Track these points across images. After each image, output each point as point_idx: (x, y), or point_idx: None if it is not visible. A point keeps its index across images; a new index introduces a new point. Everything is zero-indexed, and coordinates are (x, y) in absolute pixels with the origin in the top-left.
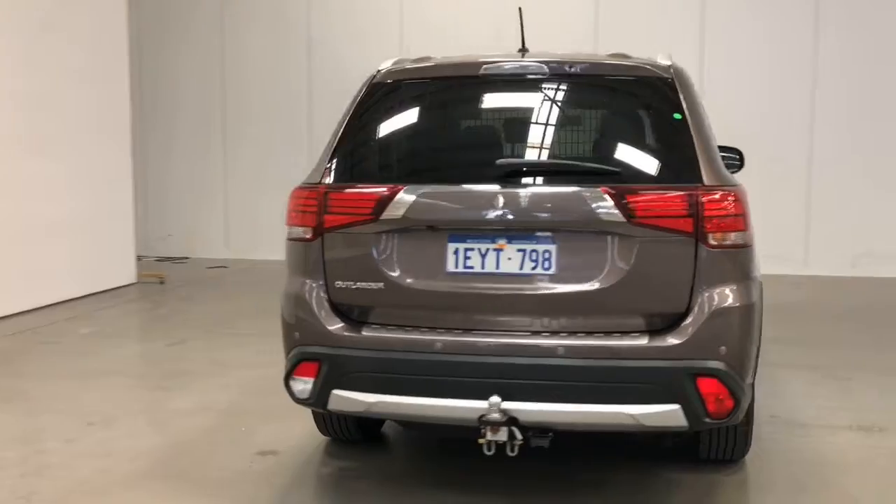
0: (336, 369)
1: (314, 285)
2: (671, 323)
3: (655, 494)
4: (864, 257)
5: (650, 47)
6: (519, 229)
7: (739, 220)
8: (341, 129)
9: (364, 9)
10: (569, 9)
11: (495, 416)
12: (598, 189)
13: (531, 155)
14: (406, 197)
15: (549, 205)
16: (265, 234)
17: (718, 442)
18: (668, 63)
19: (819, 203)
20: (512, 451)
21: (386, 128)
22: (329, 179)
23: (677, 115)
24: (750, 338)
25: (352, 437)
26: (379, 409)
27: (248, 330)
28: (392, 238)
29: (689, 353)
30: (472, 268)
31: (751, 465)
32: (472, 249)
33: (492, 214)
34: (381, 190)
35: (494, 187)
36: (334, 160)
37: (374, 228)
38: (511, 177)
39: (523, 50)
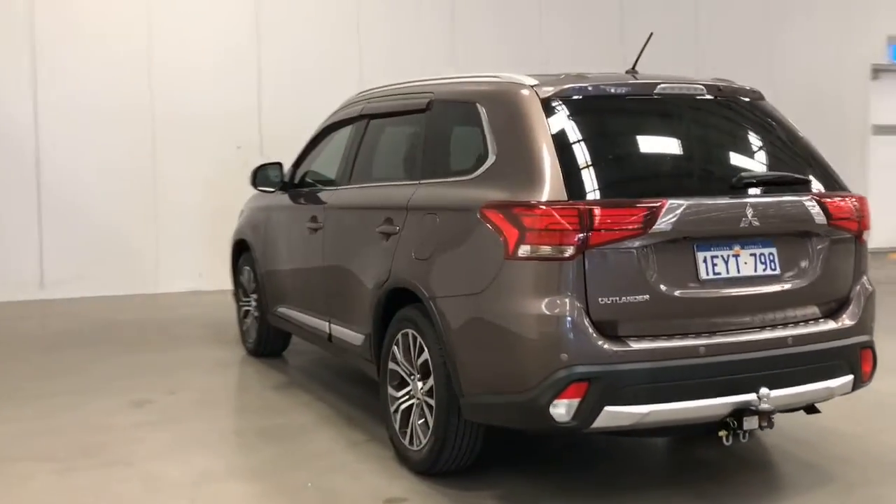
0: (610, 386)
1: (576, 304)
2: (839, 307)
3: (746, 463)
4: None
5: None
6: (749, 235)
7: (867, 219)
8: (552, 145)
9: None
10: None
11: (766, 406)
12: (811, 197)
13: (749, 169)
14: (672, 210)
15: (777, 212)
16: None
17: None
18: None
19: None
20: (744, 438)
21: (611, 143)
22: (582, 195)
23: (799, 133)
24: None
25: (469, 462)
26: (651, 419)
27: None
28: (652, 250)
29: (858, 331)
30: (719, 274)
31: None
32: (716, 257)
33: (733, 224)
34: (652, 205)
35: (738, 199)
36: (567, 177)
37: (640, 242)
38: (744, 188)
39: (633, 71)
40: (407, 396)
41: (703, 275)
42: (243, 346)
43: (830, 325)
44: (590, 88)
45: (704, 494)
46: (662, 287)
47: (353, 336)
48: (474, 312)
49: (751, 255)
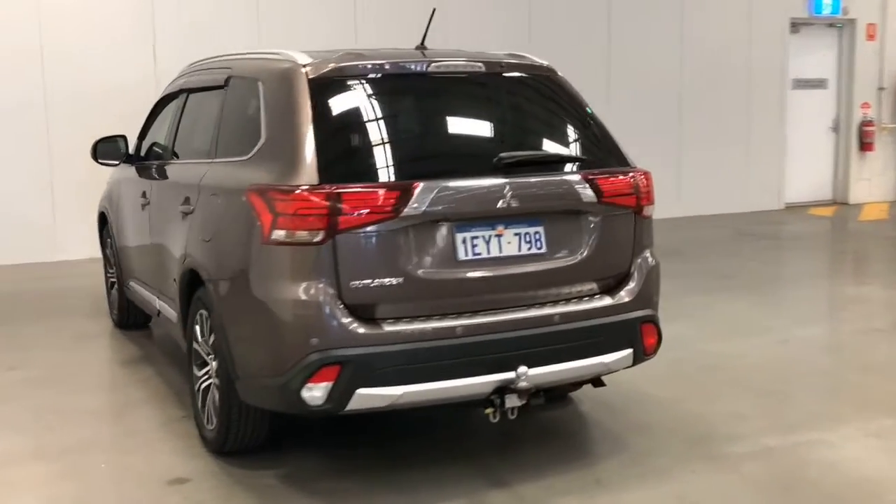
0: (361, 368)
1: (326, 288)
2: (619, 282)
3: (567, 427)
4: None
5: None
6: (514, 215)
7: (652, 194)
8: (310, 127)
9: None
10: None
11: (523, 384)
12: (579, 175)
13: (516, 148)
14: (425, 192)
15: (541, 191)
16: None
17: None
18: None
19: None
20: (513, 414)
21: (371, 125)
22: (332, 179)
23: (588, 109)
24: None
25: (258, 443)
26: (406, 400)
27: None
28: (407, 233)
29: (637, 306)
30: (479, 254)
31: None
32: (477, 238)
33: (492, 205)
34: (401, 187)
35: (498, 179)
36: (323, 160)
37: (393, 225)
38: (507, 168)
39: (422, 47)
40: (207, 376)
41: (461, 256)
42: (110, 317)
43: (606, 301)
44: (360, 67)
45: (487, 467)
46: (418, 269)
47: (171, 313)
48: (240, 296)
49: (515, 234)
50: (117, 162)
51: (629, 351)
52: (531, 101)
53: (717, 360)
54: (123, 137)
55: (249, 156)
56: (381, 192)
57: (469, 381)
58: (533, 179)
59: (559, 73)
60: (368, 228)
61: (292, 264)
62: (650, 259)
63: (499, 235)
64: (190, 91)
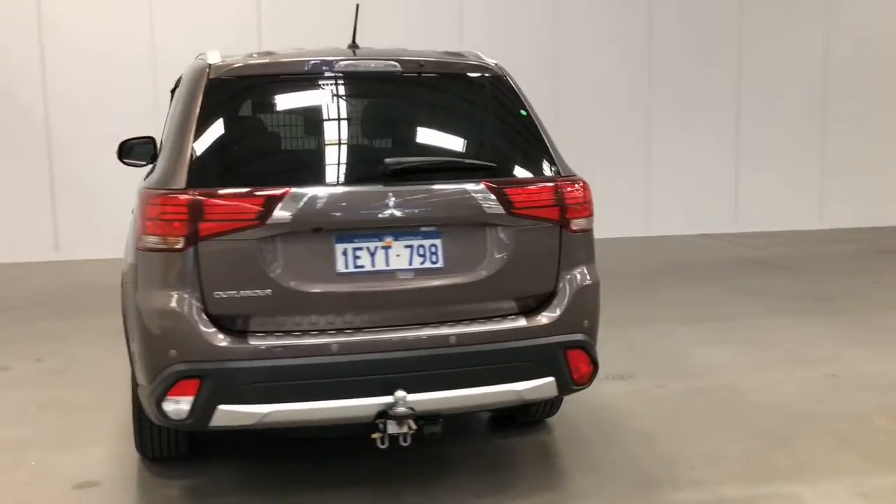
0: (223, 384)
1: (188, 298)
2: (541, 303)
3: (501, 458)
4: None
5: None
6: (405, 226)
7: (588, 205)
8: (192, 129)
9: None
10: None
11: (402, 409)
12: (481, 184)
13: (409, 153)
14: (294, 199)
15: (435, 201)
16: None
17: (544, 406)
18: (494, 61)
19: None
20: (405, 441)
21: (251, 127)
22: (198, 183)
23: (523, 112)
24: (599, 310)
25: (176, 454)
26: (273, 420)
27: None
28: (277, 243)
29: (559, 330)
30: (362, 267)
31: (553, 423)
32: (360, 249)
33: (378, 213)
34: (267, 193)
35: (380, 187)
36: (196, 162)
37: (259, 234)
38: (395, 175)
39: (354, 46)
40: None
41: (340, 268)
42: None
43: (520, 322)
44: (258, 68)
45: (401, 496)
46: (290, 281)
47: None
48: (128, 302)
49: (406, 247)
50: (143, 164)
51: (550, 380)
52: (452, 103)
53: (736, 394)
54: (152, 139)
55: (159, 157)
56: (246, 198)
57: (347, 402)
58: (423, 188)
59: (503, 74)
60: (232, 236)
61: (158, 271)
62: (584, 278)
63: (386, 247)
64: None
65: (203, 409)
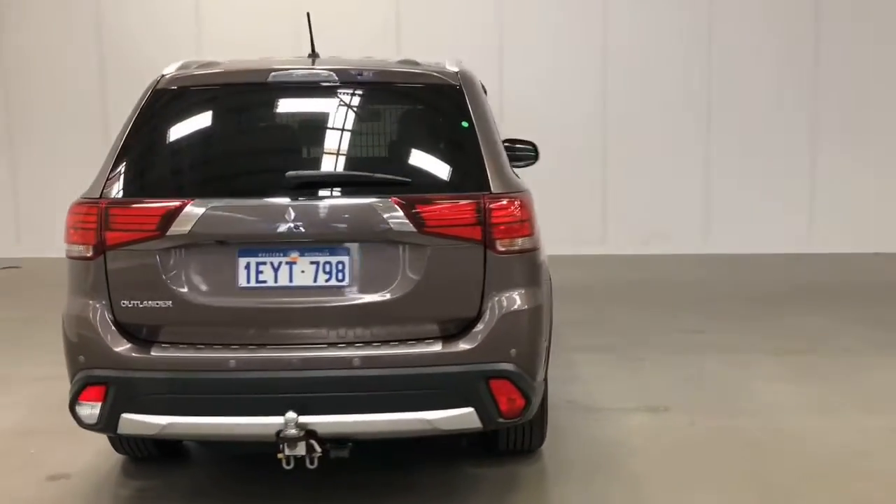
0: (125, 392)
1: (97, 306)
2: (463, 328)
3: (459, 490)
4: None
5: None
6: (311, 242)
7: (526, 225)
8: (123, 139)
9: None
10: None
11: (292, 431)
12: (389, 200)
13: (320, 166)
14: (193, 211)
15: (341, 216)
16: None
17: (515, 435)
18: (456, 69)
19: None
20: (311, 463)
21: (171, 138)
22: (110, 193)
23: (465, 123)
24: (539, 338)
25: (149, 453)
26: (172, 432)
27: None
28: (180, 254)
29: (480, 357)
30: (264, 282)
31: (548, 453)
32: (263, 264)
33: (282, 228)
34: (167, 205)
35: (284, 200)
36: (115, 172)
37: (161, 245)
38: (301, 189)
39: (314, 55)
40: None
41: (241, 282)
42: None
43: (435, 348)
44: (196, 78)
45: None
46: (192, 293)
47: None
48: None
49: (311, 263)
50: None
51: (469, 410)
52: (382, 115)
53: (773, 439)
54: None
55: None
56: (146, 209)
57: (246, 420)
58: (329, 203)
59: (457, 84)
60: (135, 247)
61: (75, 279)
62: (514, 303)
63: (291, 263)
64: None
65: (108, 415)
